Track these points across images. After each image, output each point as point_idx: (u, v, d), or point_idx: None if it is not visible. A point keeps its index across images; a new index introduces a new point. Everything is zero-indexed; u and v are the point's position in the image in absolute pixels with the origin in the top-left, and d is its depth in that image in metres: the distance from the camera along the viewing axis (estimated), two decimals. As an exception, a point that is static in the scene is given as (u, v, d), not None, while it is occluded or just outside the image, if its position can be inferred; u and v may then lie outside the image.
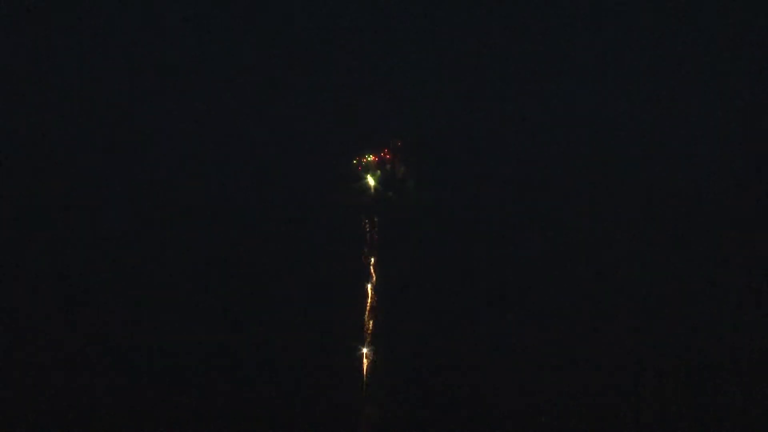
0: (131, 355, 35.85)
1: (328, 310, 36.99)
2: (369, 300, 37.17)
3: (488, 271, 37.65)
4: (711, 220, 38.15)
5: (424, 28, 38.96)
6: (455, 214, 39.17)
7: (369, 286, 36.60)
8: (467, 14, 38.35)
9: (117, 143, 38.35)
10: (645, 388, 35.67)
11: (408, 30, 38.68)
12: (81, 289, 38.10)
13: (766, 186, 39.36)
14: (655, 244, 38.96)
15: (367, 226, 39.78)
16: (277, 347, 36.30)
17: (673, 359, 36.78)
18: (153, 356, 35.43)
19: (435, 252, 38.20)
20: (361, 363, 35.71)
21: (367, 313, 37.10)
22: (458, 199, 38.51)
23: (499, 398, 34.75)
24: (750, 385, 35.62)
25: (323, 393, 34.34)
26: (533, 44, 37.78)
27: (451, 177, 38.69)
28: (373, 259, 37.43)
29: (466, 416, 34.04)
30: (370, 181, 39.08)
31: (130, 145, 38.32)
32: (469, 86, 37.08)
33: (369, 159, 38.46)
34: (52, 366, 35.78)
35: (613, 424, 34.76)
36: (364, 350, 35.77)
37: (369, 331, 36.84)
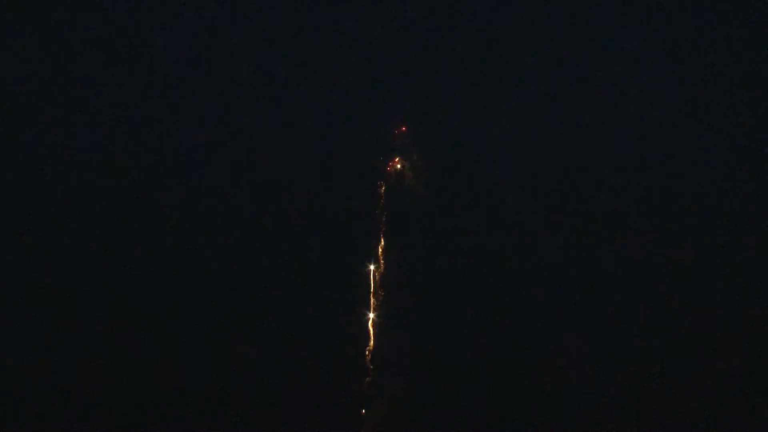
0: (131, 350, 35.82)
1: (330, 305, 36.85)
2: (373, 295, 36.99)
3: (495, 270, 37.40)
4: (712, 222, 38.18)
5: (431, 25, 39.28)
6: (462, 211, 39.04)
7: (373, 279, 36.27)
8: (476, 12, 38.58)
9: (119, 143, 38.46)
10: (654, 390, 35.83)
11: (415, 27, 39.05)
12: (89, 288, 37.86)
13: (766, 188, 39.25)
14: (670, 245, 38.67)
15: (376, 220, 39.42)
16: (278, 345, 36.35)
17: (674, 362, 36.85)
18: (153, 351, 35.43)
19: (441, 248, 37.90)
20: (364, 361, 35.74)
21: (371, 308, 37.01)
22: (466, 196, 38.48)
23: (504, 396, 34.99)
24: (749, 388, 35.70)
25: (326, 389, 34.57)
26: (543, 42, 38.16)
27: (459, 174, 38.68)
28: (380, 254, 37.11)
29: (471, 413, 34.29)
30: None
31: (131, 143, 38.35)
32: (479, 83, 37.31)
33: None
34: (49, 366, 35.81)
35: (615, 424, 34.90)
36: (368, 348, 35.75)
37: (372, 329, 36.79)
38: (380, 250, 38.24)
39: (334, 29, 41.57)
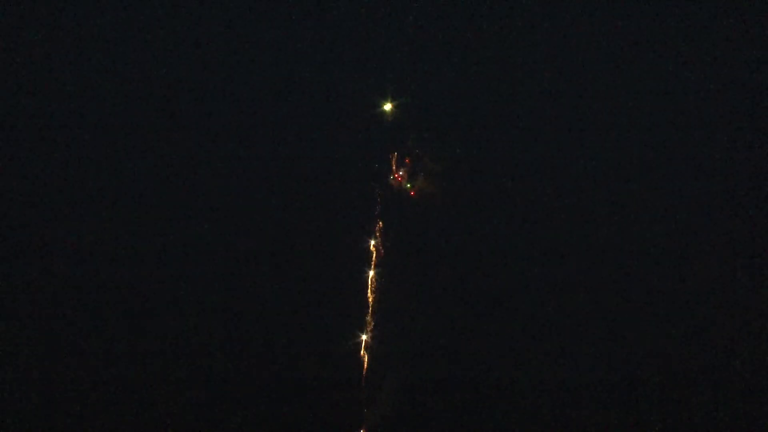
0: (130, 348, 36.00)
1: (328, 303, 36.98)
2: (370, 293, 37.10)
3: (494, 269, 37.51)
4: (715, 223, 38.26)
5: (436, 23, 39.09)
6: (462, 208, 39.17)
7: (370, 276, 36.39)
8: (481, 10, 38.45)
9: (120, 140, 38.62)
10: (651, 391, 35.94)
11: (420, 26, 38.78)
12: (83, 286, 37.99)
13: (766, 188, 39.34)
14: (672, 246, 38.77)
15: (374, 218, 39.54)
16: (275, 343, 36.51)
17: (676, 363, 36.95)
18: (148, 351, 35.62)
19: (440, 247, 38.02)
20: (361, 357, 35.85)
21: (369, 306, 37.13)
22: (466, 194, 38.62)
23: (502, 396, 35.18)
24: (750, 388, 35.77)
25: (322, 387, 34.76)
26: (547, 42, 37.94)
27: (461, 172, 38.79)
28: (375, 253, 37.21)
29: (471, 414, 34.48)
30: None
31: (126, 142, 38.51)
32: (482, 80, 37.24)
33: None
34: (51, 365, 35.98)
35: (613, 424, 35.02)
36: (363, 338, 35.89)
37: (370, 326, 36.90)
38: (378, 250, 38.32)
39: (336, 29, 41.66)
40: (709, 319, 37.40)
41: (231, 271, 37.56)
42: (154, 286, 37.02)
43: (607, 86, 41.11)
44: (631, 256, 38.44)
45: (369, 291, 38.31)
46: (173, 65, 40.88)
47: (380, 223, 39.73)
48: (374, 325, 37.54)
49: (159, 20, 40.78)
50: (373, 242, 39.25)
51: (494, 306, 38.26)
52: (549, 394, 36.04)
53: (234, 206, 38.29)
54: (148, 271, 37.53)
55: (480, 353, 37.21)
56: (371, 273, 37.96)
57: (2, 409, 34.76)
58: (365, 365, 36.39)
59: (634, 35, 41.87)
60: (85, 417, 35.14)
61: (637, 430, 35.56)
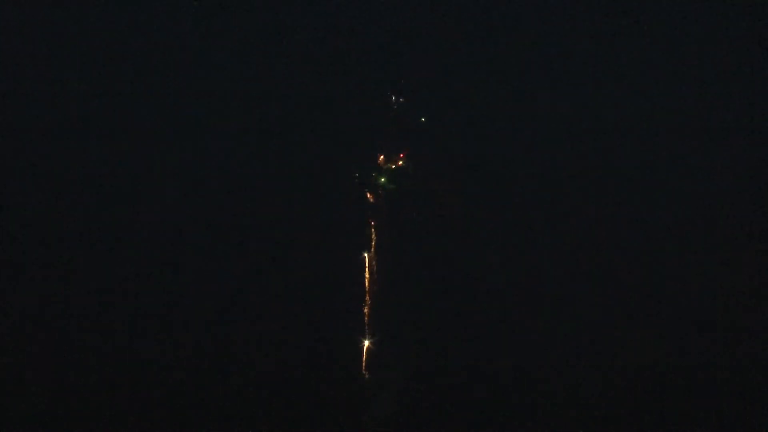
0: (128, 344, 36.02)
1: (326, 301, 36.95)
2: (367, 291, 37.01)
3: (491, 267, 37.40)
4: (713, 224, 38.16)
5: (434, 24, 38.98)
6: (459, 207, 39.11)
7: (368, 279, 36.31)
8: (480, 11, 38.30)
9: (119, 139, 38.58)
10: (647, 389, 35.85)
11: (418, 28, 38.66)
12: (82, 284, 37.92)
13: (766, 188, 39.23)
14: (664, 246, 38.66)
15: (370, 218, 39.43)
16: (276, 345, 36.49)
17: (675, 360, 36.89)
18: (147, 346, 35.67)
19: (439, 246, 37.92)
20: (361, 355, 35.84)
21: (366, 304, 37.07)
22: (462, 192, 38.59)
23: (501, 394, 35.18)
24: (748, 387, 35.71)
25: (323, 386, 34.81)
26: (546, 41, 37.81)
27: (456, 170, 38.71)
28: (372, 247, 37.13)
29: (471, 413, 34.53)
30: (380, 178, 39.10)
31: (126, 147, 38.41)
32: (479, 81, 37.09)
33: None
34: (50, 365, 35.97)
35: (611, 422, 35.01)
36: (365, 342, 35.86)
37: (368, 324, 36.87)
38: (374, 247, 38.25)
39: (335, 29, 41.63)
40: (709, 318, 37.35)
41: (230, 267, 37.45)
42: (155, 281, 36.93)
43: (606, 87, 41.07)
44: (630, 256, 38.38)
45: (366, 291, 38.29)
46: (173, 66, 40.87)
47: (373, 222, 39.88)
48: (374, 325, 37.51)
49: (159, 19, 40.79)
50: (370, 236, 39.35)
51: (494, 304, 38.21)
52: (550, 388, 35.93)
53: (235, 201, 38.27)
54: (151, 267, 37.42)
55: (478, 349, 37.11)
56: (368, 274, 37.98)
57: (2, 408, 34.78)
58: (365, 364, 36.33)
59: (634, 35, 41.83)
60: (86, 416, 35.14)
61: (636, 428, 35.51)
